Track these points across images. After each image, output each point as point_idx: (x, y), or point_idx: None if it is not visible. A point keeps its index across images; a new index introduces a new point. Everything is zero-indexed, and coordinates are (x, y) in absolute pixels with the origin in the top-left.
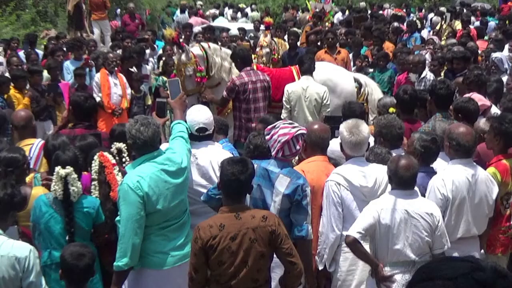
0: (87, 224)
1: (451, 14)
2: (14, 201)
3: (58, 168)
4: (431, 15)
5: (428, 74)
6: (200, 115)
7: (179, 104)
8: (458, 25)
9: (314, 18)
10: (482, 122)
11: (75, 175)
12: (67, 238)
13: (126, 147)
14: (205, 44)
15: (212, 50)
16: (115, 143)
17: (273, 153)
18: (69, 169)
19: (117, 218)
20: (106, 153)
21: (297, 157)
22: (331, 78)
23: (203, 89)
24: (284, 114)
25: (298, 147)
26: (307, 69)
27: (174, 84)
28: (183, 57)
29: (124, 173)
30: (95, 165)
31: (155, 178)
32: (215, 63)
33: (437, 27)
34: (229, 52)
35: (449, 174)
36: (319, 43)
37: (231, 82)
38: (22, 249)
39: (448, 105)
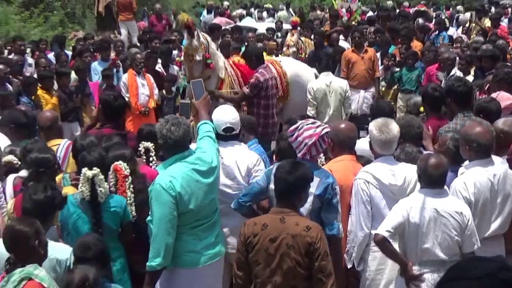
0: (115, 223)
1: (478, 12)
2: (55, 202)
3: (85, 170)
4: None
5: (457, 72)
6: (226, 115)
7: (203, 105)
8: (487, 23)
9: (331, 18)
10: (500, 122)
11: (102, 176)
12: None
13: (153, 147)
14: (204, 34)
15: (209, 40)
16: (143, 142)
17: (299, 155)
18: (96, 170)
19: (148, 218)
20: (120, 164)
21: (323, 157)
22: (299, 73)
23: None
24: (312, 111)
25: (324, 146)
26: (326, 66)
27: (197, 85)
28: (195, 42)
29: (135, 187)
30: (112, 178)
31: (187, 178)
32: (213, 54)
33: (467, 25)
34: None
35: (471, 177)
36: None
37: (255, 79)
38: (63, 251)
39: (468, 102)
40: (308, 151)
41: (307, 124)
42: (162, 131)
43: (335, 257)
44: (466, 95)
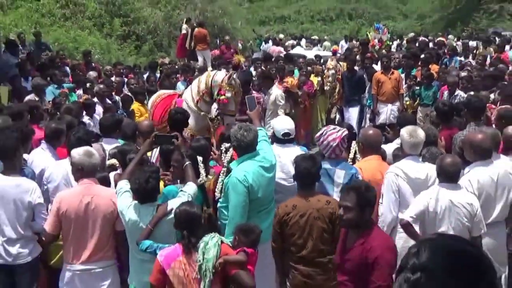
0: None
1: (484, 42)
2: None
3: (226, 145)
4: (470, 42)
5: (460, 92)
6: (285, 123)
7: (257, 115)
8: (491, 51)
9: (362, 46)
10: (510, 128)
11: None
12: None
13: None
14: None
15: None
16: (224, 143)
17: (327, 155)
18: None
19: (219, 204)
20: None
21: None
22: None
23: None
24: (282, 112)
25: (345, 145)
26: (270, 79)
27: (251, 100)
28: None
29: None
30: (228, 156)
31: (256, 172)
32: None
33: (475, 52)
34: None
35: (474, 175)
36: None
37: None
38: None
39: (480, 115)
40: (333, 151)
41: (330, 130)
42: (236, 135)
43: None
44: (480, 109)
